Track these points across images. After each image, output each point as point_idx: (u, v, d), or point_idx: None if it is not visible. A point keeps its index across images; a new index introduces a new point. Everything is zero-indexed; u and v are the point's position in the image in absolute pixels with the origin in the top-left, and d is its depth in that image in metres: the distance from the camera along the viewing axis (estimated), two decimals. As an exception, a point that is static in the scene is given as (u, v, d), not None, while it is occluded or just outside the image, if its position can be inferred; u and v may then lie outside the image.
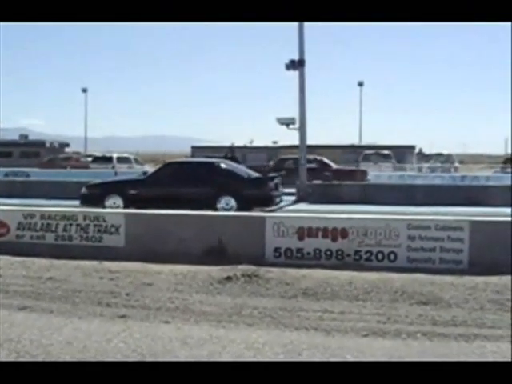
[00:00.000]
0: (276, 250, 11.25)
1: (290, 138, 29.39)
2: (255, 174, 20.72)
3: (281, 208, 19.84)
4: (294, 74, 24.32)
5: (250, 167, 28.37)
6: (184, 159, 23.59)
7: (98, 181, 20.79)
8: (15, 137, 66.42)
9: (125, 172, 32.76)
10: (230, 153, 28.43)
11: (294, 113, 24.93)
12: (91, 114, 74.33)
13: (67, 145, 65.85)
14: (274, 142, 56.66)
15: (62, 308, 8.28)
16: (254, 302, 8.52)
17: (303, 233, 11.22)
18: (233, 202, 18.36)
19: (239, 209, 17.69)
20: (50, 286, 9.43)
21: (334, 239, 11.11)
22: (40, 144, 60.94)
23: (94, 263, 10.72)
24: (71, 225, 12.21)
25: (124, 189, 19.15)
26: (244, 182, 19.04)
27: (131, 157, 46.55)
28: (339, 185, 24.45)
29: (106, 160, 44.19)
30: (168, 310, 8.11)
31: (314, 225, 11.24)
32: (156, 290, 9.07)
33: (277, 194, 19.33)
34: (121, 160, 43.89)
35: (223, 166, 19.84)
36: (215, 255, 11.10)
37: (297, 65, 24.15)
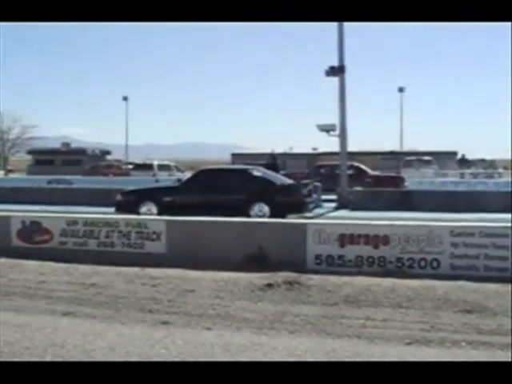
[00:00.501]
0: (317, 257, 11.20)
1: (331, 144, 29.34)
2: (288, 181, 20.75)
3: (322, 215, 19.77)
4: (335, 79, 24.24)
5: (289, 174, 28.36)
6: (217, 166, 23.66)
7: (132, 188, 21.01)
8: (56, 145, 67.21)
9: (163, 179, 32.95)
10: (271, 160, 28.43)
11: (334, 119, 24.89)
12: (131, 122, 74.93)
13: (108, 152, 66.40)
14: (314, 149, 56.56)
15: (105, 314, 8.35)
16: (295, 309, 8.48)
17: (345, 240, 11.14)
18: (266, 209, 18.36)
19: (272, 215, 17.67)
20: (93, 291, 9.52)
21: (376, 246, 11.01)
22: (82, 152, 61.55)
23: (136, 269, 10.79)
24: (113, 231, 12.33)
25: (158, 196, 19.32)
26: (277, 189, 19.04)
27: (172, 164, 46.87)
28: (380, 191, 24.29)
29: (147, 167, 44.58)
30: (209, 317, 8.11)
31: (356, 231, 11.16)
32: (197, 297, 9.09)
33: (310, 200, 19.27)
34: (162, 167, 44.25)
35: (256, 172, 19.87)
36: (255, 262, 11.08)
37: (337, 71, 24.06)
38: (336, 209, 22.81)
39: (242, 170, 20.89)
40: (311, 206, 19.36)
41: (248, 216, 17.56)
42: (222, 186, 18.88)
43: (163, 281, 9.98)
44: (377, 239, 11.03)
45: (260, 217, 17.68)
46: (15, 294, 9.49)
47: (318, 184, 22.16)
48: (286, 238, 11.48)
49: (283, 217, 16.82)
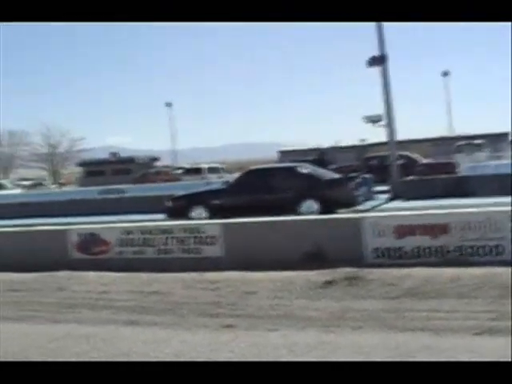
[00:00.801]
0: (374, 250, 11.07)
1: (378, 135, 29.06)
2: (336, 176, 20.65)
3: (375, 207, 19.58)
4: (377, 70, 24.02)
5: (338, 168, 28.14)
6: (263, 166, 23.65)
7: (181, 193, 21.10)
8: (104, 155, 68.03)
9: (213, 182, 33.05)
10: (319, 156, 28.34)
11: (379, 110, 24.65)
12: (176, 127, 75.46)
13: (156, 159, 67.01)
14: (362, 141, 56.08)
15: (168, 321, 8.41)
16: (357, 304, 8.41)
17: (401, 231, 10.98)
18: (315, 205, 18.22)
19: (322, 211, 17.56)
20: (154, 299, 9.59)
21: (434, 236, 10.82)
22: (130, 160, 62.19)
23: (195, 275, 10.81)
24: (169, 238, 12.40)
25: (207, 199, 19.44)
26: (325, 184, 18.91)
27: (220, 166, 47.06)
28: (433, 179, 23.92)
29: (197, 171, 44.87)
30: (272, 318, 8.10)
31: (413, 222, 11.00)
32: (258, 298, 9.08)
33: (359, 193, 19.09)
34: (211, 170, 44.48)
35: (302, 169, 19.80)
36: (313, 260, 11.01)
37: (378, 61, 23.81)
38: (389, 200, 22.56)
39: (289, 167, 20.87)
40: (361, 199, 19.18)
41: (297, 214, 17.49)
42: (269, 186, 18.89)
43: (223, 284, 10.00)
44: (435, 228, 10.84)
45: (309, 214, 17.56)
46: (78, 306, 9.64)
47: (368, 176, 21.97)
48: (342, 233, 11.37)
49: (333, 212, 16.77)
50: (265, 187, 18.85)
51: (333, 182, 19.42)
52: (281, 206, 17.60)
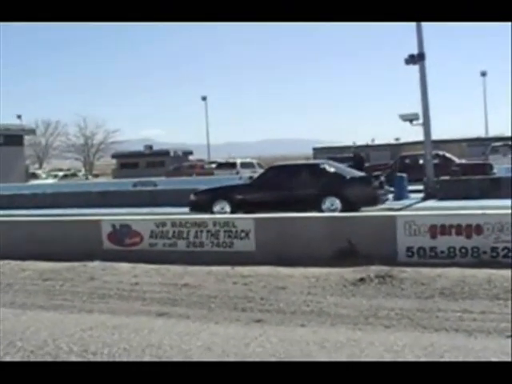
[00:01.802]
0: (408, 249, 10.99)
1: (412, 133, 28.81)
2: (359, 174, 20.59)
3: (409, 206, 19.45)
4: (414, 69, 23.78)
5: (373, 166, 27.96)
6: (287, 162, 23.68)
7: (205, 187, 21.25)
8: (137, 148, 68.55)
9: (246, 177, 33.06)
10: (357, 153, 28.21)
11: (414, 109, 24.43)
12: (211, 121, 75.61)
13: (190, 153, 67.35)
14: (397, 139, 55.72)
15: (199, 313, 8.42)
16: (389, 303, 8.35)
17: (436, 231, 10.89)
18: (337, 203, 18.18)
19: (344, 209, 17.53)
20: (186, 292, 9.62)
21: (469, 236, 10.71)
22: (164, 153, 62.63)
23: (227, 268, 10.82)
24: (202, 231, 12.43)
25: (231, 194, 19.49)
26: (347, 182, 18.85)
27: (254, 161, 47.09)
28: (468, 180, 23.62)
29: (230, 166, 44.95)
30: (303, 314, 8.07)
31: (447, 222, 10.90)
32: (289, 294, 9.06)
33: (382, 192, 18.98)
34: (244, 165, 44.50)
35: (326, 166, 19.78)
36: (345, 257, 10.97)
37: (416, 59, 23.58)
38: (423, 199, 22.38)
39: (312, 164, 21.10)
40: (384, 197, 19.07)
41: (320, 211, 17.50)
42: (291, 182, 18.94)
43: (254, 279, 9.99)
44: (469, 229, 10.74)
45: (332, 211, 17.60)
46: (110, 297, 9.70)
47: (403, 175, 21.87)
48: (375, 231, 11.31)
49: (355, 210, 16.75)
50: (287, 184, 18.89)
51: (356, 180, 19.37)
52: (303, 203, 17.68)
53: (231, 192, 19.69)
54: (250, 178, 22.41)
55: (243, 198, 19.10)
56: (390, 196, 21.24)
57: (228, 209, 18.96)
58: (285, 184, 18.87)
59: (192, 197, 19.93)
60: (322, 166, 19.86)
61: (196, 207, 19.29)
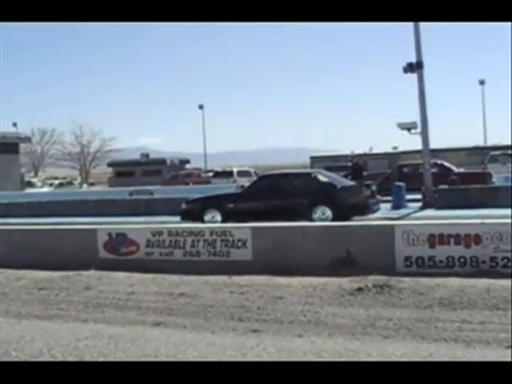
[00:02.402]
0: (406, 258, 10.91)
1: (410, 142, 28.78)
2: (350, 183, 20.70)
3: (407, 215, 19.41)
4: (412, 77, 23.79)
5: (371, 175, 27.95)
6: (278, 171, 23.70)
7: (196, 196, 21.26)
8: (135, 156, 68.41)
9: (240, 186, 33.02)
10: (355, 162, 28.21)
11: (412, 117, 24.43)
12: (208, 129, 75.67)
13: (187, 161, 67.23)
14: (394, 148, 55.77)
15: (195, 323, 8.35)
16: (387, 313, 8.29)
17: (434, 240, 10.82)
18: (328, 212, 18.16)
19: (335, 218, 17.51)
20: (182, 301, 9.55)
21: (468, 246, 10.65)
22: (161, 162, 62.50)
23: (223, 278, 10.75)
24: (199, 240, 12.34)
25: (222, 203, 19.46)
26: (338, 191, 18.84)
27: (251, 170, 47.08)
28: (466, 189, 23.60)
29: (227, 174, 44.96)
30: (300, 324, 8.00)
31: (446, 231, 10.83)
32: (287, 304, 8.99)
33: (373, 201, 18.96)
34: (241, 174, 44.49)
35: (317, 175, 19.81)
36: (343, 266, 10.90)
37: (415, 67, 23.59)
38: (422, 208, 22.34)
39: (303, 173, 21.11)
40: (375, 207, 19.05)
41: (311, 220, 17.48)
42: (283, 191, 18.96)
43: (251, 288, 9.92)
44: (468, 238, 10.67)
45: (323, 220, 17.58)
46: (106, 306, 9.63)
47: (401, 184, 21.86)
48: (374, 240, 11.24)
49: (346, 219, 16.65)
50: (278, 192, 18.92)
51: (346, 189, 19.33)
52: (294, 212, 17.70)
53: (222, 201, 19.67)
54: (241, 186, 22.41)
55: (234, 206, 19.05)
56: (388, 205, 21.25)
57: (219, 218, 18.95)
58: (276, 193, 18.91)
59: (183, 205, 19.93)
60: (313, 175, 19.91)
61: (187, 216, 19.29)
